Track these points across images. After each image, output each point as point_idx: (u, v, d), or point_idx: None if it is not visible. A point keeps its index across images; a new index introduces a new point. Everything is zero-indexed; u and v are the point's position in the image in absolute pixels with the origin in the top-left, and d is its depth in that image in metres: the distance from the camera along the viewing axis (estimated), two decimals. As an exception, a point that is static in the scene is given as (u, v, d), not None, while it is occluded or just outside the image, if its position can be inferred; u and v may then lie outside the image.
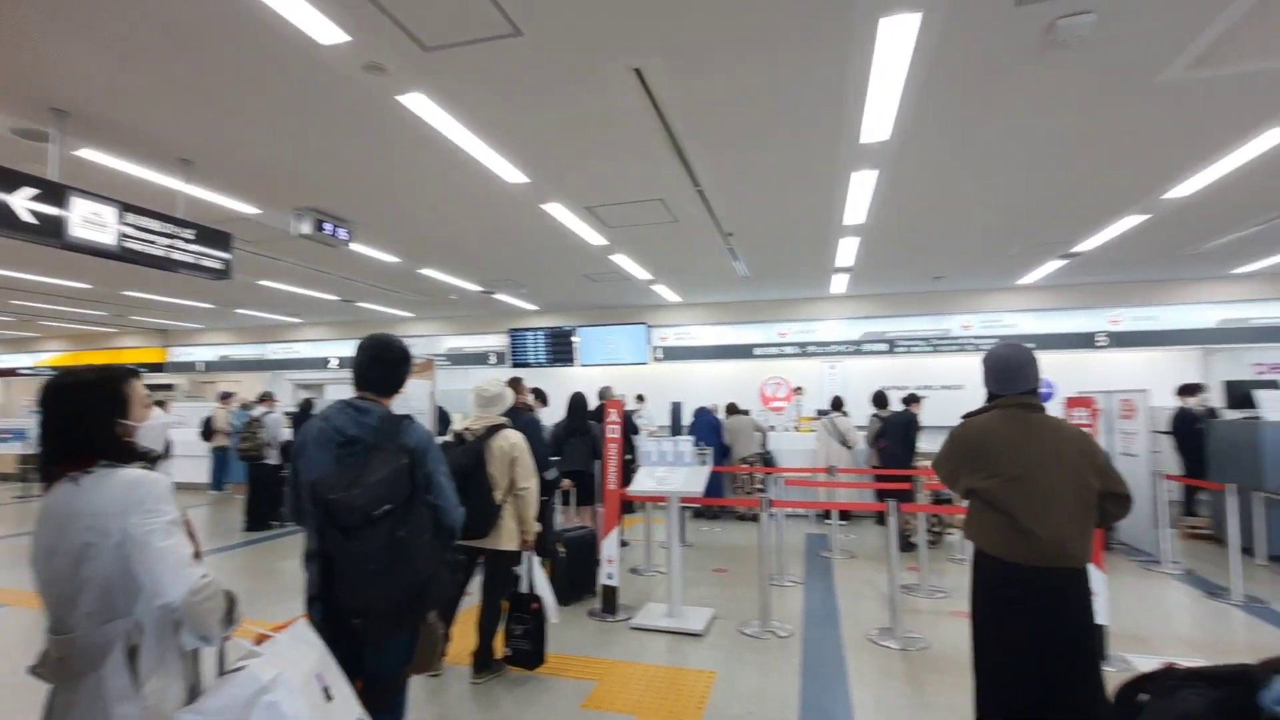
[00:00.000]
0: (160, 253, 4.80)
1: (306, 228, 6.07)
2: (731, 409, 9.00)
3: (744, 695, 3.51)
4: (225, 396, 10.23)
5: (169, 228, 4.87)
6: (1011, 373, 2.39)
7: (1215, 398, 8.73)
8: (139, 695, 1.47)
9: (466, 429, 3.69)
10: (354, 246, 7.18)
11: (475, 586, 3.77)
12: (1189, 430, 7.23)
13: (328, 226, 6.24)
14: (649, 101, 4.05)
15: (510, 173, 5.21)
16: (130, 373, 1.74)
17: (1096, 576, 2.94)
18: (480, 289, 10.47)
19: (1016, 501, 2.22)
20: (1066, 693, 2.16)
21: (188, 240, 5.01)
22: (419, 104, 4.04)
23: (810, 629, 4.50)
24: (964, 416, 2.47)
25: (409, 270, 8.93)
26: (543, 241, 7.42)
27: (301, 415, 9.14)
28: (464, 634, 3.79)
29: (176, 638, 1.54)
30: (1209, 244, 7.78)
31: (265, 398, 8.85)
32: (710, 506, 8.48)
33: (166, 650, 1.53)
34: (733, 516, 8.62)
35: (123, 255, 4.53)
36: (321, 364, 14.53)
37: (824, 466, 7.46)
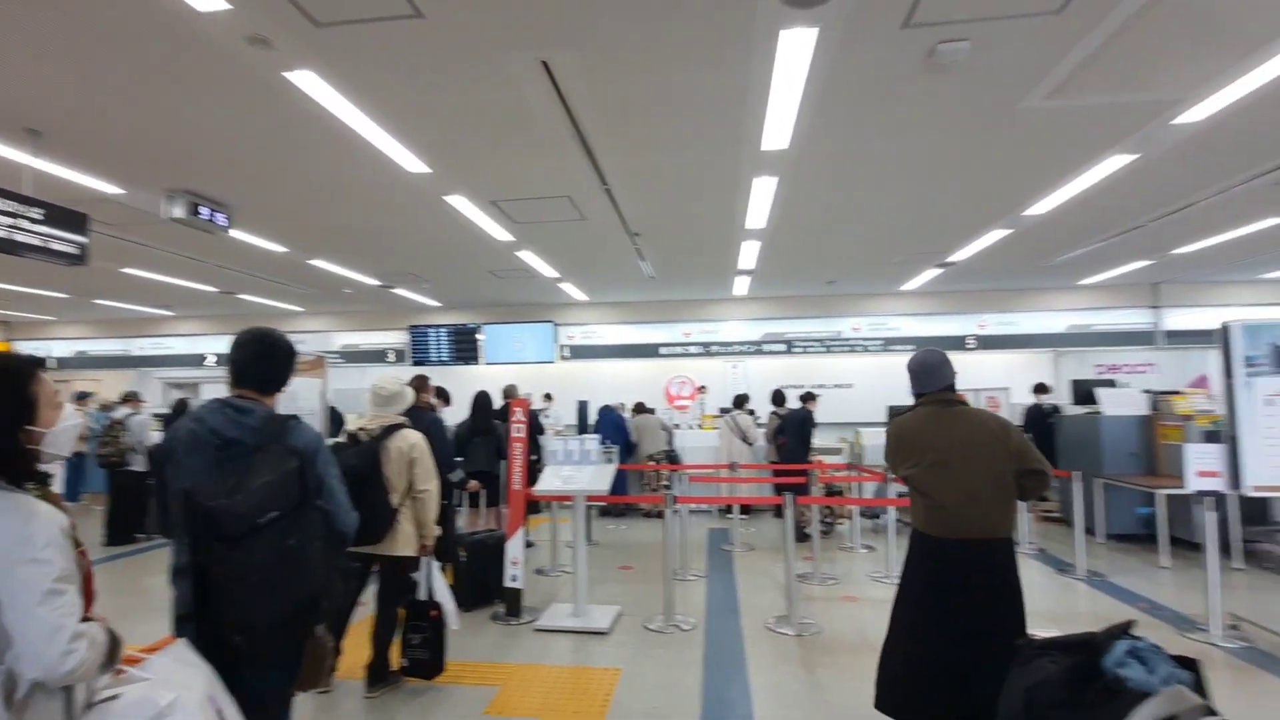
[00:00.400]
0: (1, 234, 4.24)
1: (179, 211, 5.54)
2: (639, 408, 9.13)
3: (648, 690, 3.56)
4: (82, 397, 9.28)
5: (11, 206, 4.31)
6: (928, 373, 2.72)
7: (1063, 395, 9.80)
8: None
9: (361, 429, 3.51)
10: (234, 233, 6.62)
11: (371, 595, 3.60)
12: (1041, 424, 8.10)
13: (204, 211, 5.72)
14: (556, 96, 4.01)
15: (411, 162, 5.00)
16: (36, 364, 1.46)
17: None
18: (378, 283, 9.98)
19: (932, 483, 2.55)
20: (980, 656, 2.37)
21: (34, 221, 4.45)
22: (309, 83, 3.78)
23: (712, 621, 4.63)
24: (897, 415, 2.81)
25: (298, 261, 8.37)
26: (446, 235, 7.18)
27: (174, 417, 8.37)
28: (358, 645, 3.61)
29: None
30: (1060, 257, 8.71)
31: (129, 398, 8.07)
32: (616, 504, 8.54)
33: (38, 690, 1.34)
34: (639, 514, 8.72)
35: (-50, 235, 3.98)
36: (197, 361, 13.34)
37: (726, 463, 7.70)
